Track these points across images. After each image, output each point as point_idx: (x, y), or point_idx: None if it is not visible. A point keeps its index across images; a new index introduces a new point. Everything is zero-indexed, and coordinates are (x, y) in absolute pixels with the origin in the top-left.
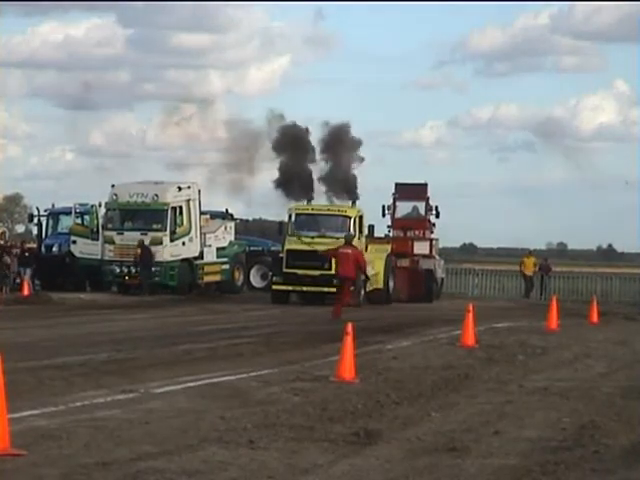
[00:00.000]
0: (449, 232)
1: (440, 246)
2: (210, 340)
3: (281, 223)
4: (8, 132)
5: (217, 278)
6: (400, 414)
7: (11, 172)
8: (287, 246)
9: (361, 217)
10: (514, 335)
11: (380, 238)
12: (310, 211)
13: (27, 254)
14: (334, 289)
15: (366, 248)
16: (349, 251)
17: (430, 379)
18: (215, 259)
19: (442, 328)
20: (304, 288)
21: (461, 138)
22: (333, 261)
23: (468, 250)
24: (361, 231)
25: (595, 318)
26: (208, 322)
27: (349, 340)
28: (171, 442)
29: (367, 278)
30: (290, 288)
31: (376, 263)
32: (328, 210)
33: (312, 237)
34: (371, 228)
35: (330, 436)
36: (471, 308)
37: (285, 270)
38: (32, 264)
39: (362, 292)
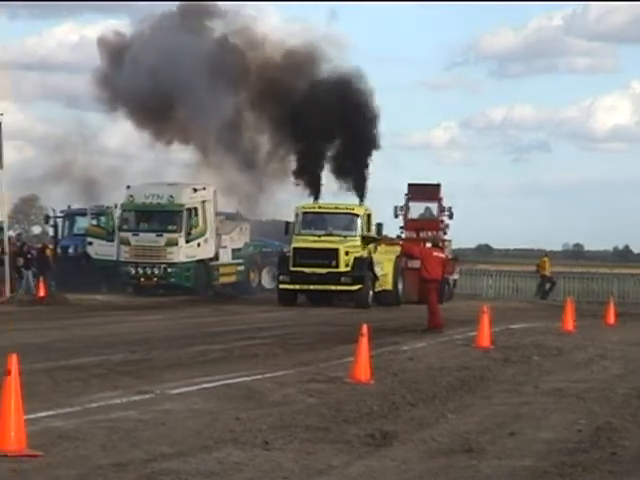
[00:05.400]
0: (464, 233)
1: (455, 247)
2: (225, 341)
3: (288, 223)
4: (23, 134)
5: (232, 279)
6: (415, 415)
7: (26, 173)
8: (294, 244)
9: (369, 215)
10: (530, 336)
11: (391, 238)
12: (317, 209)
13: (29, 256)
14: (342, 287)
15: (375, 249)
16: (441, 255)
17: (445, 380)
18: (230, 260)
19: (457, 329)
20: (311, 287)
21: (475, 139)
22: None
23: (483, 251)
24: (369, 230)
25: (611, 319)
26: (223, 323)
27: (364, 341)
28: (186, 443)
29: (376, 278)
30: (297, 287)
31: (385, 264)
32: (336, 208)
33: (319, 236)
34: (379, 226)
35: (345, 437)
36: (486, 309)
37: (292, 269)
38: (35, 266)
39: (371, 293)
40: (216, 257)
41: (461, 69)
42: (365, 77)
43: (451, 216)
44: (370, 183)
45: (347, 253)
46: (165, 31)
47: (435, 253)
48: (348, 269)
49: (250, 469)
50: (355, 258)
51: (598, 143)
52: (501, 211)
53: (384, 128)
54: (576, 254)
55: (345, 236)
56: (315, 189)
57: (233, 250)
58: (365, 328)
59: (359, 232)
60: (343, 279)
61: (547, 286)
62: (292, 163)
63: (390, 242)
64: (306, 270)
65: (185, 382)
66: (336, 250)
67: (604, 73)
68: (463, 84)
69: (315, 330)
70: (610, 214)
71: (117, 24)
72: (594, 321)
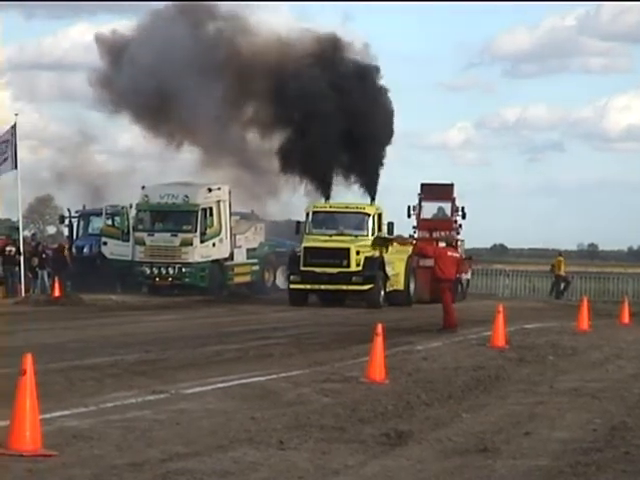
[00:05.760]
0: (479, 233)
1: (470, 247)
2: (240, 341)
3: (299, 222)
4: (39, 134)
5: (247, 279)
6: (430, 415)
7: (42, 173)
8: (304, 244)
9: (380, 215)
10: (545, 336)
11: (404, 238)
12: (328, 209)
13: (44, 256)
14: (353, 287)
15: (387, 249)
16: (455, 254)
17: (460, 380)
18: (245, 260)
19: (472, 329)
20: (322, 286)
21: (490, 139)
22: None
23: (498, 251)
24: (380, 229)
25: (626, 319)
26: (238, 323)
27: (379, 341)
28: (201, 443)
29: (387, 278)
30: (308, 287)
31: (397, 264)
32: (346, 208)
33: (330, 235)
34: (390, 226)
35: (360, 437)
36: (501, 309)
37: (303, 268)
38: (51, 265)
39: (382, 293)
40: (231, 257)
41: (476, 70)
42: (376, 61)
43: (464, 216)
44: (385, 183)
45: (358, 252)
46: (161, 30)
47: (449, 253)
48: (359, 269)
49: (265, 469)
50: (366, 258)
51: (612, 143)
52: (516, 211)
53: (400, 128)
54: (591, 254)
55: (356, 235)
56: (325, 188)
57: (248, 250)
58: (380, 328)
59: (370, 231)
60: (354, 279)
61: (562, 286)
62: (299, 160)
63: (403, 242)
64: (317, 270)
65: (200, 382)
66: (347, 249)
67: (618, 73)
68: (478, 84)
69: (330, 330)
70: (625, 214)
71: (130, 25)
72: (609, 321)
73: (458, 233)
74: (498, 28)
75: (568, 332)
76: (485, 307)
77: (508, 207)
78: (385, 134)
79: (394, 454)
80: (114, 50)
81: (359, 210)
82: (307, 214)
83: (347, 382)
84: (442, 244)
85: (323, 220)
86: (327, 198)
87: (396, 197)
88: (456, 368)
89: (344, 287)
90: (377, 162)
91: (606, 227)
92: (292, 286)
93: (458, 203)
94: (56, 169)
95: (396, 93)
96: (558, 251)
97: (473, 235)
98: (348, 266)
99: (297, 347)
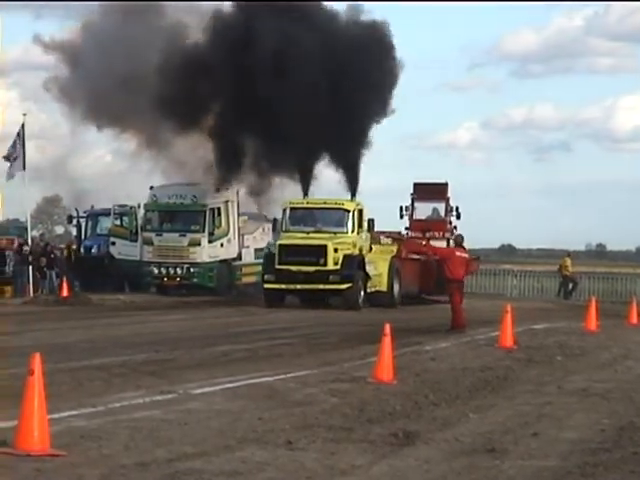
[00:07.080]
0: (487, 233)
1: (478, 247)
2: (248, 341)
3: (276, 219)
4: (46, 133)
5: (255, 279)
6: (438, 415)
7: (50, 173)
8: (280, 241)
9: (360, 211)
10: (553, 336)
11: (387, 233)
12: (306, 205)
13: (52, 256)
14: (330, 286)
15: (370, 248)
16: (464, 255)
17: (468, 380)
18: (253, 260)
19: (480, 329)
20: (298, 286)
21: (496, 139)
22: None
23: (506, 251)
24: (360, 226)
25: (635, 319)
26: (246, 323)
27: (387, 341)
28: (209, 443)
29: (368, 277)
30: (283, 287)
31: (379, 264)
32: (324, 204)
33: (308, 232)
34: (371, 222)
35: (369, 437)
36: (509, 309)
37: (278, 267)
38: (58, 265)
39: (362, 293)
40: (239, 257)
41: (483, 70)
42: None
43: (458, 216)
44: (388, 184)
45: (336, 250)
46: (107, 31)
47: (458, 253)
48: (337, 267)
49: (273, 469)
50: (345, 256)
51: (619, 143)
52: (524, 211)
53: (406, 128)
54: (599, 254)
55: (335, 232)
56: (304, 182)
57: (256, 250)
58: (388, 328)
59: (350, 228)
60: (331, 277)
61: (570, 286)
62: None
63: (396, 239)
64: (293, 268)
65: (208, 382)
66: (324, 247)
67: (625, 73)
68: (485, 84)
69: (338, 330)
70: (633, 213)
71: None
72: (617, 321)
73: (452, 234)
74: (505, 28)
75: (576, 332)
76: (493, 307)
77: (515, 207)
78: (375, 106)
79: (402, 454)
80: (67, 52)
81: (338, 206)
82: (284, 210)
83: (355, 382)
84: (443, 244)
85: (301, 217)
86: (306, 193)
87: (398, 198)
88: (464, 368)
89: (321, 286)
90: (360, 144)
91: (614, 227)
92: (266, 286)
93: (452, 203)
94: (49, 169)
95: (402, 93)
96: (566, 251)
97: (481, 235)
98: (325, 264)
99: (305, 347)
